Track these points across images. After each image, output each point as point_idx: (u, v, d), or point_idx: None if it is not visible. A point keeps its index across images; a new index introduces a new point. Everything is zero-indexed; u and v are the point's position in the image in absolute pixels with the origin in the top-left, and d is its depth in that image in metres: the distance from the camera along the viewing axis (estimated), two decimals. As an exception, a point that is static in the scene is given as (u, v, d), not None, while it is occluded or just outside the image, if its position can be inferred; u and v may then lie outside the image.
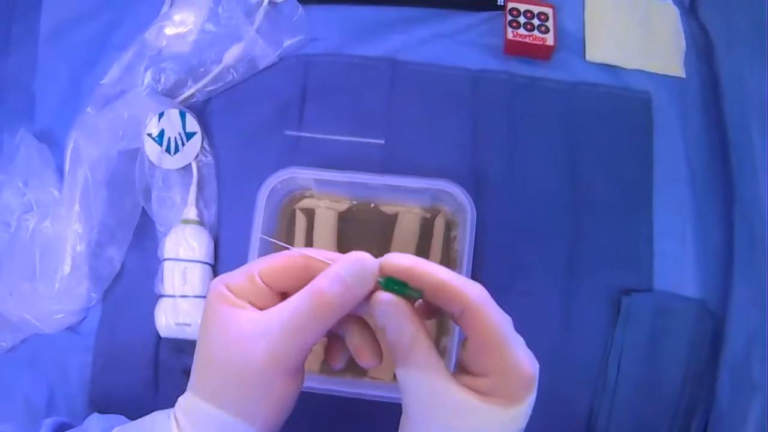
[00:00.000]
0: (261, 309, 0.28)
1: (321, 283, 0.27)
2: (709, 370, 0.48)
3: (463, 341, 0.28)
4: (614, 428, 0.48)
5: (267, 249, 0.46)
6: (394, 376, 0.46)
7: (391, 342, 0.28)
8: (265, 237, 0.44)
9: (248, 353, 0.26)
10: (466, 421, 0.26)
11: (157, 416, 0.30)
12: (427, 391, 0.27)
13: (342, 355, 0.32)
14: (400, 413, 0.43)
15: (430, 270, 0.27)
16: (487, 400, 0.26)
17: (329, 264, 0.28)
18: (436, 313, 0.30)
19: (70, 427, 0.39)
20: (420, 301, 0.29)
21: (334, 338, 0.32)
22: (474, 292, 0.27)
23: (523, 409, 0.27)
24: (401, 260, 0.27)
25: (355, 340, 0.30)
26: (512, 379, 0.27)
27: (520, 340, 0.28)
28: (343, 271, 0.27)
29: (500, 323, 0.27)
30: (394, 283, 0.27)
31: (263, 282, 0.28)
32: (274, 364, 0.26)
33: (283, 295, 0.29)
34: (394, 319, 0.27)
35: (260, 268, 0.29)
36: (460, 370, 0.28)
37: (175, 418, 0.28)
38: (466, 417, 0.26)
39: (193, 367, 0.29)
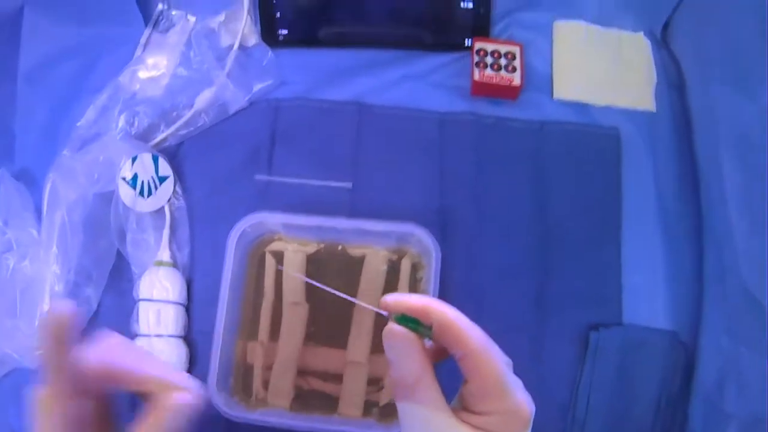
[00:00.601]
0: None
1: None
2: (681, 401, 0.49)
3: (464, 381, 0.29)
4: None
5: (237, 294, 0.48)
6: (364, 411, 0.48)
7: (397, 375, 0.29)
8: (281, 267, 0.47)
9: None
10: None
11: None
12: (429, 426, 0.28)
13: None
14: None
15: (441, 309, 0.28)
16: None
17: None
18: (445, 355, 0.31)
19: None
20: (430, 344, 0.30)
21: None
22: (476, 336, 0.28)
23: None
24: (415, 298, 0.29)
25: None
26: (511, 420, 0.28)
27: (519, 382, 0.29)
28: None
29: (500, 369, 0.28)
30: (406, 320, 0.28)
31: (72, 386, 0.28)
32: None
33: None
34: (403, 352, 0.28)
35: (68, 379, 0.27)
36: (461, 406, 0.29)
37: None
38: None
39: None
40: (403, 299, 0.29)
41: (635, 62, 0.56)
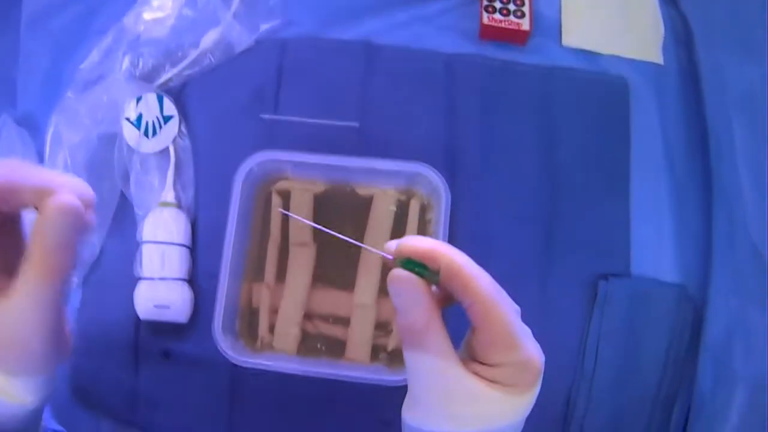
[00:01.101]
0: None
1: (42, 258, 0.26)
2: (689, 357, 0.48)
3: (472, 329, 0.28)
4: (592, 414, 0.48)
5: (243, 235, 0.47)
6: (371, 356, 0.47)
7: (404, 323, 0.27)
8: (282, 211, 0.46)
9: (24, 349, 0.27)
10: (475, 408, 0.27)
11: None
12: (437, 376, 0.27)
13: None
14: (377, 394, 0.44)
15: (449, 253, 0.27)
16: (496, 388, 0.27)
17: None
18: (452, 301, 0.29)
19: None
20: (435, 289, 0.29)
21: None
22: (485, 284, 0.26)
23: (530, 397, 0.28)
24: (422, 241, 0.27)
25: None
26: (521, 371, 0.27)
27: (528, 331, 0.28)
28: (57, 233, 0.26)
29: (509, 318, 0.27)
30: (412, 265, 0.27)
31: None
32: (37, 337, 0.27)
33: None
34: (410, 298, 0.27)
35: None
36: (470, 356, 0.28)
37: None
38: (475, 404, 0.27)
39: None
40: (409, 242, 0.27)
41: (643, 15, 0.56)
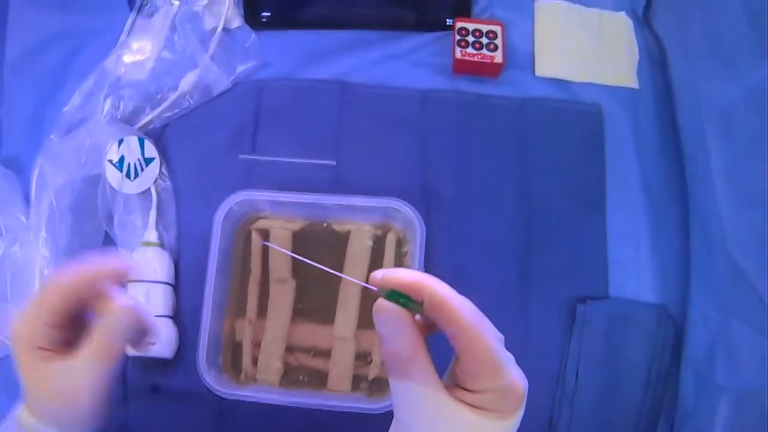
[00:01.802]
0: (56, 342, 0.31)
1: (101, 342, 0.31)
2: (671, 374, 0.49)
3: (456, 357, 0.28)
4: None
5: (224, 272, 0.48)
6: (352, 386, 0.48)
7: (388, 352, 0.28)
8: (266, 243, 0.48)
9: (74, 405, 0.31)
10: None
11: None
12: (422, 404, 0.27)
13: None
14: (358, 423, 0.45)
15: (432, 285, 0.27)
16: (481, 414, 0.27)
17: (82, 280, 0.32)
18: (435, 329, 0.30)
19: None
20: (419, 317, 0.29)
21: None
22: (467, 313, 0.27)
23: (514, 422, 0.28)
24: (405, 274, 0.28)
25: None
26: (505, 397, 0.27)
27: (511, 357, 0.29)
28: (113, 326, 0.31)
29: (493, 345, 0.27)
30: (397, 296, 0.28)
31: (47, 325, 0.31)
32: (83, 402, 0.31)
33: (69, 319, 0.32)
34: (395, 328, 0.27)
35: (40, 317, 0.31)
36: (454, 383, 0.29)
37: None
38: (461, 429, 0.27)
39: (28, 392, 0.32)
40: (393, 274, 0.28)
41: (617, 40, 0.57)
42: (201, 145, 0.52)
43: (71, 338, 0.32)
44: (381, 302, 0.28)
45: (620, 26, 0.57)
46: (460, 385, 0.28)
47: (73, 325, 0.33)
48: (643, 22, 0.57)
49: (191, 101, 0.52)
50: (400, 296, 0.28)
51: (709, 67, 0.48)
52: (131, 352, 0.49)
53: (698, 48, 0.51)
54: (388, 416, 0.39)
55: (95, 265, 0.32)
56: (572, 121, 0.54)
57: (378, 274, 0.29)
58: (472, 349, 0.27)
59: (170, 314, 0.50)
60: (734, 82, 0.45)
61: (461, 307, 0.27)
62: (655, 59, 0.56)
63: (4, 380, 0.51)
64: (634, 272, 0.51)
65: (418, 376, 0.27)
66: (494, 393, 0.27)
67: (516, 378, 0.28)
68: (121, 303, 0.32)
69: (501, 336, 0.29)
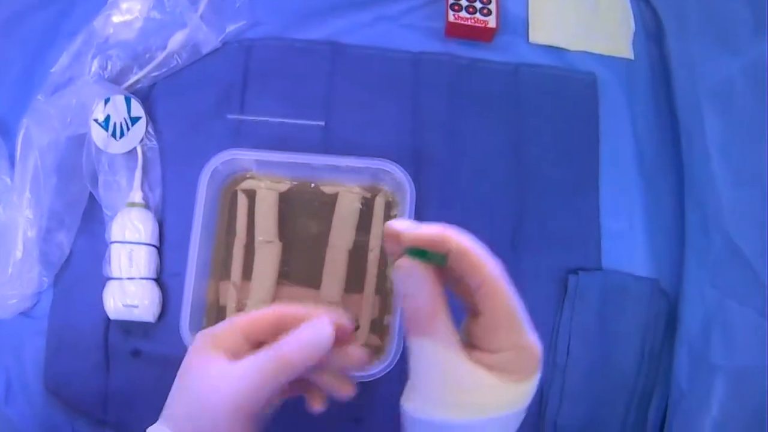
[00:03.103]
0: (237, 357, 0.30)
1: (285, 348, 0.29)
2: (665, 350, 0.48)
3: (473, 317, 0.28)
4: (567, 406, 0.48)
5: (209, 233, 0.47)
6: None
7: (410, 308, 0.28)
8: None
9: (213, 396, 0.29)
10: (477, 396, 0.27)
11: None
12: (440, 363, 0.27)
13: (322, 401, 0.35)
14: (374, 390, 0.43)
15: (457, 236, 0.27)
16: (497, 375, 0.27)
17: (296, 316, 0.31)
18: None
19: None
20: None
21: (309, 385, 0.35)
22: (493, 267, 0.27)
23: (530, 386, 0.28)
24: (430, 228, 0.27)
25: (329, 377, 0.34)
26: (525, 357, 0.27)
27: (529, 320, 0.28)
28: (302, 336, 0.30)
29: (514, 302, 0.27)
30: (417, 252, 0.27)
31: (242, 334, 0.32)
32: (233, 407, 0.29)
33: (260, 344, 0.32)
34: (417, 283, 0.27)
35: (240, 323, 0.32)
36: (470, 345, 0.28)
37: None
38: (477, 392, 0.27)
39: (166, 403, 0.31)
40: (419, 231, 0.27)
41: (612, 11, 0.56)
42: (188, 105, 0.51)
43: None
44: (402, 261, 0.27)
45: (616, -3, 0.56)
46: (477, 345, 0.28)
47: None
48: (640, -6, 0.57)
49: (179, 60, 0.51)
50: (420, 252, 0.27)
51: (706, 42, 0.48)
52: (114, 315, 0.48)
53: (695, 22, 0.50)
54: (374, 384, 0.38)
55: (319, 310, 0.32)
56: (566, 88, 0.53)
57: (397, 227, 0.28)
58: (493, 303, 0.27)
59: (154, 276, 0.49)
60: (731, 58, 0.45)
61: (487, 259, 0.27)
62: (651, 31, 0.56)
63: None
64: (627, 245, 0.51)
65: (439, 333, 0.27)
66: (512, 352, 0.27)
67: (534, 339, 0.27)
68: (316, 324, 0.30)
69: (517, 296, 0.28)
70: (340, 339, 0.31)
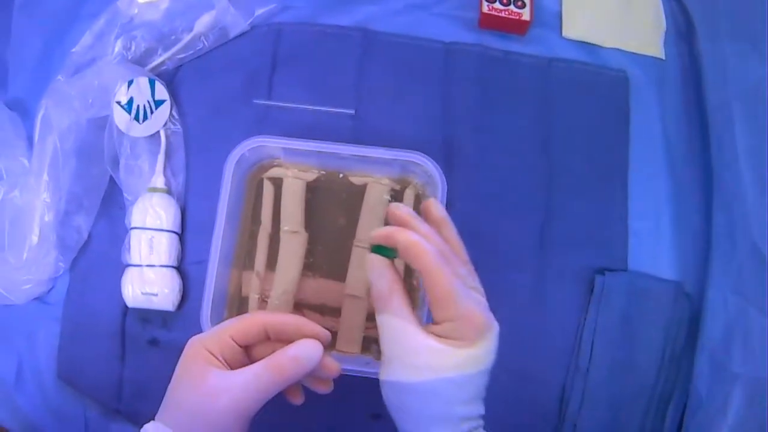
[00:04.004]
0: (229, 363, 0.34)
1: (281, 361, 0.33)
2: (685, 355, 0.48)
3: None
4: (587, 409, 0.47)
5: (233, 222, 0.46)
6: (362, 348, 0.46)
7: (375, 292, 0.34)
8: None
9: (214, 403, 0.32)
10: (426, 359, 0.32)
11: None
12: (397, 333, 0.33)
13: (300, 394, 0.39)
14: (367, 387, 0.42)
15: (402, 235, 0.33)
16: (444, 342, 0.32)
17: (283, 321, 0.35)
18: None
19: None
20: None
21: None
22: (431, 255, 0.32)
23: (478, 350, 0.32)
24: (384, 229, 0.35)
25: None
26: (462, 325, 0.32)
27: (478, 299, 0.34)
28: (299, 353, 0.34)
29: (448, 281, 0.32)
30: (379, 248, 0.35)
31: (232, 340, 0.34)
32: (234, 414, 0.32)
33: (247, 349, 0.36)
34: (377, 271, 0.34)
35: (231, 329, 0.35)
36: (433, 321, 0.34)
37: None
38: (427, 355, 0.32)
39: (163, 402, 0.34)
40: (374, 232, 0.35)
41: (644, 9, 0.55)
42: (214, 89, 0.50)
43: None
44: (368, 256, 0.35)
45: (649, -5, 0.56)
46: (433, 321, 0.33)
47: (250, 359, 0.35)
48: (672, -7, 0.56)
49: (206, 43, 0.50)
50: (380, 248, 0.35)
51: (738, 45, 0.47)
52: (132, 303, 0.47)
53: (726, 24, 0.49)
54: None
55: (303, 321, 0.35)
56: (598, 85, 0.52)
57: (399, 213, 0.36)
58: (432, 285, 0.32)
59: (175, 264, 0.48)
60: (761, 62, 0.44)
61: (426, 252, 0.32)
62: (682, 31, 0.55)
63: (1, 329, 0.50)
64: (653, 246, 0.50)
65: (394, 308, 0.33)
66: (452, 322, 0.32)
67: (471, 308, 0.33)
68: (313, 339, 0.34)
69: (480, 288, 0.35)
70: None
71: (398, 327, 0.33)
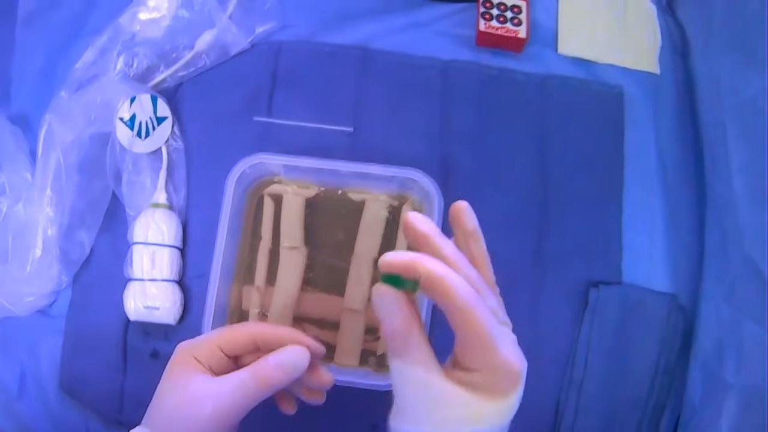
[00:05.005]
0: (215, 372, 0.34)
1: (267, 369, 0.32)
2: (679, 366, 0.48)
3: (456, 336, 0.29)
4: (581, 422, 0.48)
5: (234, 237, 0.47)
6: (360, 361, 0.47)
7: (388, 332, 0.29)
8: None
9: (198, 409, 0.31)
10: (454, 413, 0.28)
11: None
12: (419, 384, 0.28)
13: (292, 403, 0.39)
14: (366, 399, 0.43)
15: (426, 263, 0.27)
16: (475, 393, 0.28)
17: (272, 332, 0.34)
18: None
19: None
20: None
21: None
22: (463, 291, 0.27)
23: (511, 402, 0.28)
24: (398, 256, 0.28)
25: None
26: (499, 375, 0.28)
27: (511, 338, 0.29)
28: (284, 360, 0.33)
29: (486, 323, 0.27)
30: (391, 278, 0.28)
31: (220, 349, 0.34)
32: (217, 421, 0.31)
33: (236, 359, 0.35)
34: (390, 308, 0.28)
35: (219, 338, 0.34)
36: (454, 363, 0.29)
37: None
38: (455, 409, 0.28)
39: (149, 407, 0.34)
40: (387, 258, 0.28)
41: (640, 25, 0.56)
42: (215, 106, 0.51)
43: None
44: (378, 287, 0.29)
45: (644, 11, 0.56)
46: (458, 364, 0.29)
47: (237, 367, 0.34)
48: (667, 9, 0.57)
49: (207, 61, 0.50)
50: (393, 278, 0.28)
51: (731, 60, 0.48)
52: (134, 316, 0.48)
53: (720, 39, 0.50)
54: (391, 392, 0.39)
55: (294, 332, 0.35)
56: (593, 101, 0.53)
57: (416, 224, 0.30)
58: (465, 326, 0.27)
59: (176, 278, 0.48)
60: (755, 77, 0.44)
61: (456, 285, 0.27)
62: (677, 47, 0.55)
63: (4, 341, 0.51)
64: (647, 260, 0.51)
65: (414, 354, 0.28)
66: (487, 370, 0.28)
67: (510, 356, 0.28)
68: (300, 346, 0.34)
69: (507, 320, 0.30)
70: (313, 362, 0.35)
71: (420, 377, 0.28)
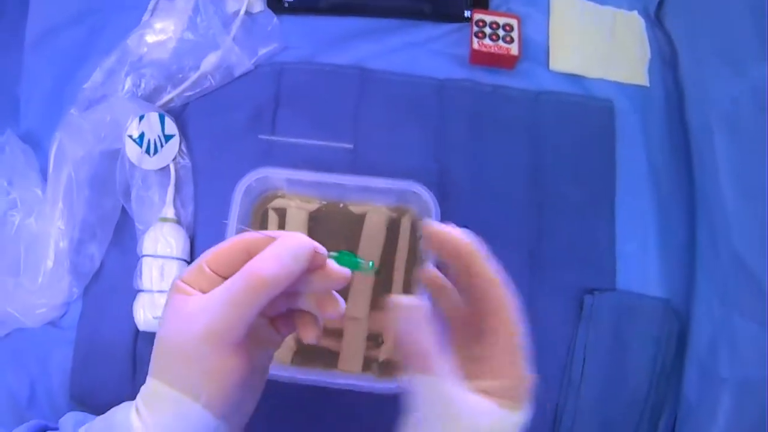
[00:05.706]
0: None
1: (256, 262, 0.27)
2: (675, 368, 0.50)
3: (473, 336, 0.29)
4: (579, 427, 0.49)
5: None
6: (363, 367, 0.48)
7: (405, 348, 0.28)
8: (242, 227, 0.46)
9: (189, 329, 0.27)
10: (484, 423, 0.27)
11: (121, 406, 0.30)
12: (442, 397, 0.27)
13: (313, 327, 0.32)
14: (368, 404, 0.45)
15: (478, 256, 0.30)
16: (500, 403, 0.28)
17: (269, 242, 0.29)
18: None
19: (51, 429, 0.38)
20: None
21: (300, 314, 0.33)
22: (512, 295, 0.28)
23: (527, 412, 0.29)
24: (452, 235, 0.29)
25: (314, 300, 0.32)
26: (521, 387, 0.28)
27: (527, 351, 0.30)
28: (278, 250, 0.28)
29: (521, 332, 0.28)
30: (347, 257, 0.28)
31: (210, 269, 0.30)
32: (211, 337, 0.27)
33: None
34: (413, 324, 0.28)
35: (206, 257, 0.30)
36: (466, 375, 0.29)
37: (136, 405, 0.29)
38: (481, 419, 0.27)
39: (152, 353, 0.29)
40: (443, 236, 0.29)
41: (629, 39, 0.58)
42: (221, 125, 0.53)
43: None
44: (397, 300, 0.28)
45: (633, 25, 0.58)
46: (475, 375, 0.28)
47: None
48: (655, 21, 0.59)
49: (212, 81, 0.52)
50: (350, 261, 0.28)
51: (717, 67, 0.50)
52: (144, 327, 0.49)
53: (706, 48, 0.52)
54: (397, 398, 0.39)
55: (296, 234, 0.29)
56: (585, 115, 0.55)
57: (429, 230, 0.30)
58: (505, 338, 0.28)
59: (184, 290, 0.50)
60: (739, 82, 0.46)
61: (507, 287, 0.28)
62: (666, 58, 0.57)
63: (12, 354, 0.52)
64: (640, 266, 0.52)
65: (436, 370, 0.27)
66: (513, 381, 0.28)
67: (528, 369, 0.28)
68: (297, 236, 0.28)
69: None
70: (316, 265, 0.30)
71: (443, 390, 0.27)
